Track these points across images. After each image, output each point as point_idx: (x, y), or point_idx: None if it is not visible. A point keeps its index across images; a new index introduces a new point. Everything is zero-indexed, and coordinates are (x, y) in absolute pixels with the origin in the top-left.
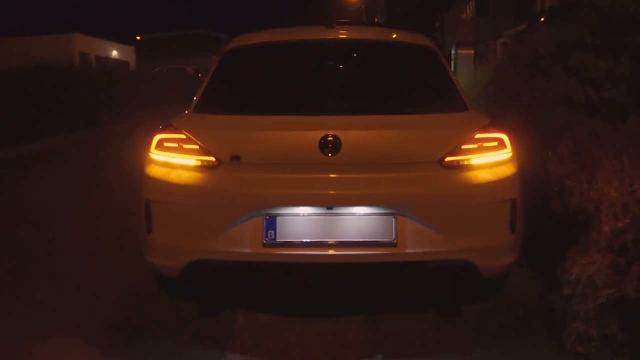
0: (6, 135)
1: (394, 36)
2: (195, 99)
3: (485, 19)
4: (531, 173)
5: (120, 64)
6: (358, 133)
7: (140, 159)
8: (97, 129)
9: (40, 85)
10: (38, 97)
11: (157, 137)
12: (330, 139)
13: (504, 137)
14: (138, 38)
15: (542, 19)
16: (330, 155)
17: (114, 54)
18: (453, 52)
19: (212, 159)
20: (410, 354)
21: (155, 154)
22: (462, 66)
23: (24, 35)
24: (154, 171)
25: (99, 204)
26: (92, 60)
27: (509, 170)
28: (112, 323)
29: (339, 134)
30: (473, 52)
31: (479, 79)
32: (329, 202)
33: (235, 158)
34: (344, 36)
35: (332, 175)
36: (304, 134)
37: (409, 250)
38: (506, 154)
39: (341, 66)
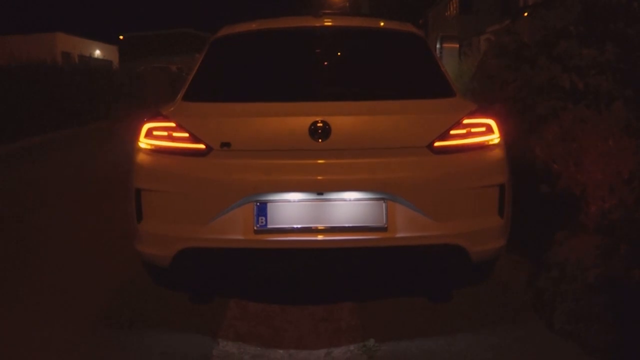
0: None
1: (381, 24)
2: (183, 87)
3: (468, 16)
4: (518, 158)
5: (103, 63)
6: (347, 118)
7: (125, 154)
8: (82, 128)
9: (24, 84)
10: (22, 96)
11: (146, 126)
12: (319, 124)
13: (492, 122)
14: (121, 37)
15: (525, 14)
16: (320, 140)
17: (97, 53)
18: (438, 45)
19: (202, 146)
20: (401, 338)
21: (145, 143)
22: (447, 60)
23: (5, 34)
24: (144, 160)
25: (87, 198)
26: (75, 59)
27: (496, 155)
28: (105, 313)
29: (329, 119)
30: (458, 45)
31: (464, 72)
32: (319, 188)
33: (225, 145)
34: (332, 23)
35: (321, 161)
36: (294, 119)
37: (399, 235)
38: (494, 138)
39: (329, 53)
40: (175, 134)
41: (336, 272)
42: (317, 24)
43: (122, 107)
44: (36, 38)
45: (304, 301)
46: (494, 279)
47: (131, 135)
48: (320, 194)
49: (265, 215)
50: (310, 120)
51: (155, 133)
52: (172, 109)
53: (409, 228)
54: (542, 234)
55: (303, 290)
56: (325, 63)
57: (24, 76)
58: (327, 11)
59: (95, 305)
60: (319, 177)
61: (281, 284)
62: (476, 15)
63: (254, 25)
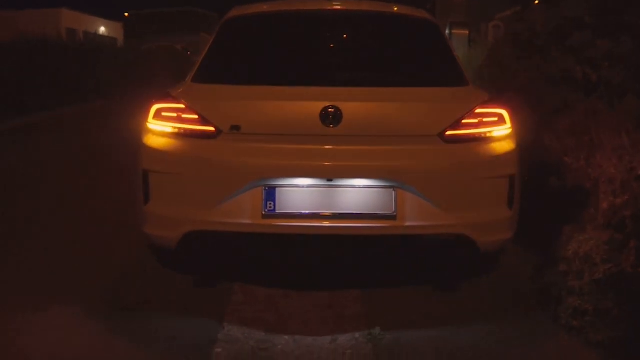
0: None
1: (395, 9)
2: (192, 69)
3: (476, 1)
4: (528, 150)
5: (108, 40)
6: (359, 105)
7: (127, 133)
8: (85, 105)
9: (28, 60)
10: (26, 72)
11: (155, 107)
12: (331, 110)
13: (504, 113)
14: (126, 14)
15: (537, 2)
16: (331, 126)
17: (102, 30)
18: (447, 31)
19: (211, 128)
20: (407, 327)
21: (153, 124)
22: (456, 46)
23: (10, 9)
24: (152, 141)
25: (87, 177)
26: (80, 36)
27: (508, 146)
28: (109, 296)
29: (340, 105)
30: (468, 32)
31: (473, 58)
32: (329, 174)
33: (235, 128)
34: (344, 7)
35: (332, 147)
36: (305, 104)
37: (408, 223)
38: (506, 129)
39: (342, 37)
40: (184, 116)
41: (341, 259)
42: (330, 7)
43: (126, 85)
44: (41, 14)
45: (309, 288)
46: (500, 271)
47: (134, 113)
48: (330, 180)
49: (274, 200)
50: (321, 105)
51: (164, 114)
52: (181, 90)
53: (417, 217)
54: (549, 227)
55: (308, 276)
56: (337, 47)
57: (28, 52)
58: None
59: (98, 288)
60: (329, 163)
61: (286, 270)
62: (484, 1)
63: (265, 7)
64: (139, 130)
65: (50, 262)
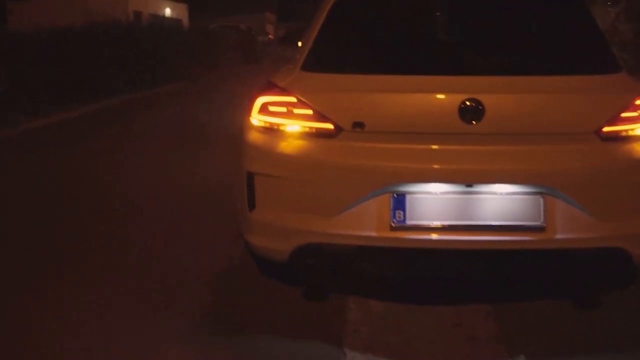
0: (68, 93)
1: None
2: (300, 55)
3: None
4: None
5: (174, 22)
6: (504, 97)
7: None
8: (156, 89)
9: (98, 44)
10: (97, 56)
11: (260, 100)
12: (471, 103)
13: None
14: None
15: None
16: (473, 122)
17: (167, 11)
18: None
19: (330, 125)
20: (555, 355)
21: (258, 120)
22: None
23: None
24: (257, 140)
25: (175, 167)
26: (146, 18)
27: None
28: (208, 312)
29: (481, 97)
30: None
31: None
32: (469, 178)
33: (358, 125)
34: None
35: (473, 147)
36: (441, 97)
37: (558, 236)
38: None
39: (476, 17)
40: (296, 111)
41: (467, 271)
42: None
43: (195, 66)
44: None
45: (432, 302)
46: None
47: (209, 95)
48: (470, 185)
49: (404, 209)
50: (460, 98)
51: (271, 109)
52: (289, 79)
53: (569, 228)
54: None
55: (427, 289)
56: (471, 29)
57: (98, 37)
58: None
59: (195, 302)
60: (470, 166)
61: (403, 282)
62: None
63: None
64: (242, 125)
65: (135, 266)
